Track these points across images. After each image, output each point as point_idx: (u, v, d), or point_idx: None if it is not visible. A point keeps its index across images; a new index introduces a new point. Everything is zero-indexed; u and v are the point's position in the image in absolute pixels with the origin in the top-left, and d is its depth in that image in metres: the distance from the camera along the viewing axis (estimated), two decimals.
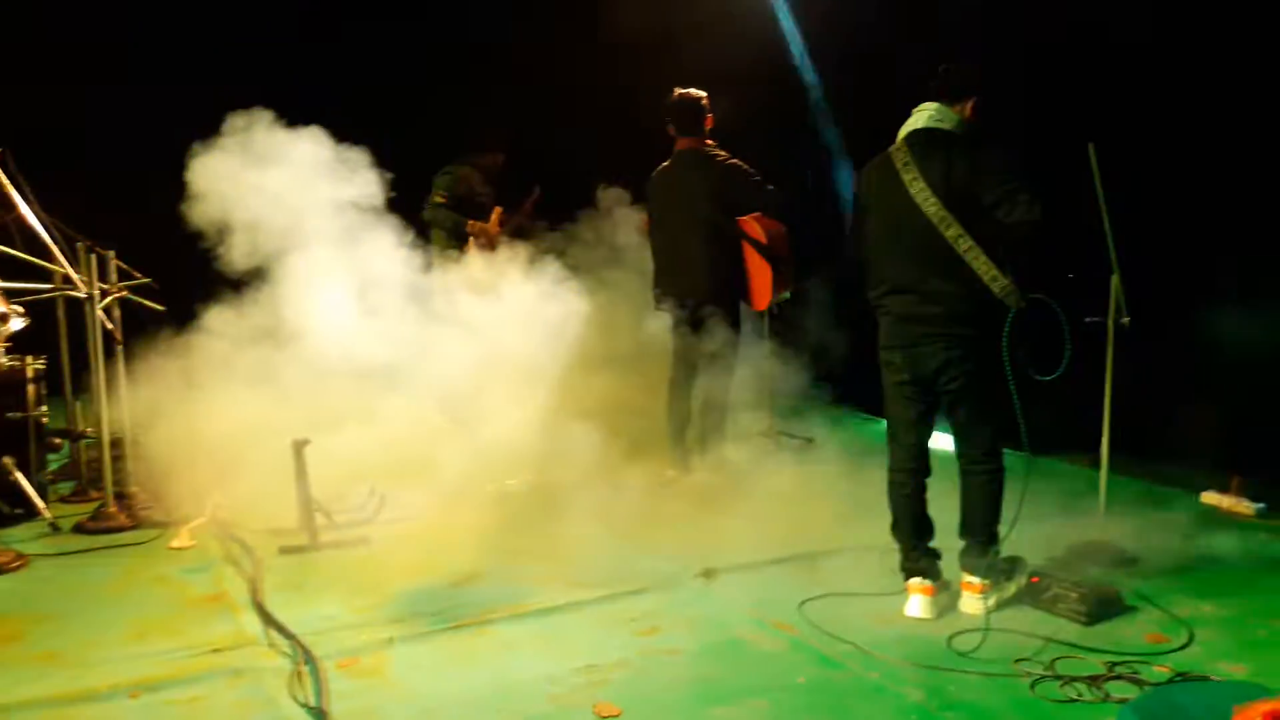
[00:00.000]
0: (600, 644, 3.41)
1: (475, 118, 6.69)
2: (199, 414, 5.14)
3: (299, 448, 4.55)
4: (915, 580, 3.67)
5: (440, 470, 5.23)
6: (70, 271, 4.46)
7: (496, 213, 6.30)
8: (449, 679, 3.15)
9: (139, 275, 5.33)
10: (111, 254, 5.04)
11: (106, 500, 4.82)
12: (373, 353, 5.14)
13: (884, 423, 3.92)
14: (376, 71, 7.40)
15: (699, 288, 5.32)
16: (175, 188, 4.79)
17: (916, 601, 3.64)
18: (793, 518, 4.60)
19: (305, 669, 3.16)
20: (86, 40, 6.91)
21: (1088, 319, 4.06)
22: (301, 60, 6.87)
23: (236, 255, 4.93)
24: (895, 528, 3.80)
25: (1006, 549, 3.71)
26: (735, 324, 5.42)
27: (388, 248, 5.27)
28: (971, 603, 3.62)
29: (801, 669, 3.21)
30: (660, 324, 5.67)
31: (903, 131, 3.74)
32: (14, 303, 4.87)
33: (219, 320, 5.11)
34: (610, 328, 5.81)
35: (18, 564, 4.17)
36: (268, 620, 3.57)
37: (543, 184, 6.71)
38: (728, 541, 4.33)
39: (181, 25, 7.13)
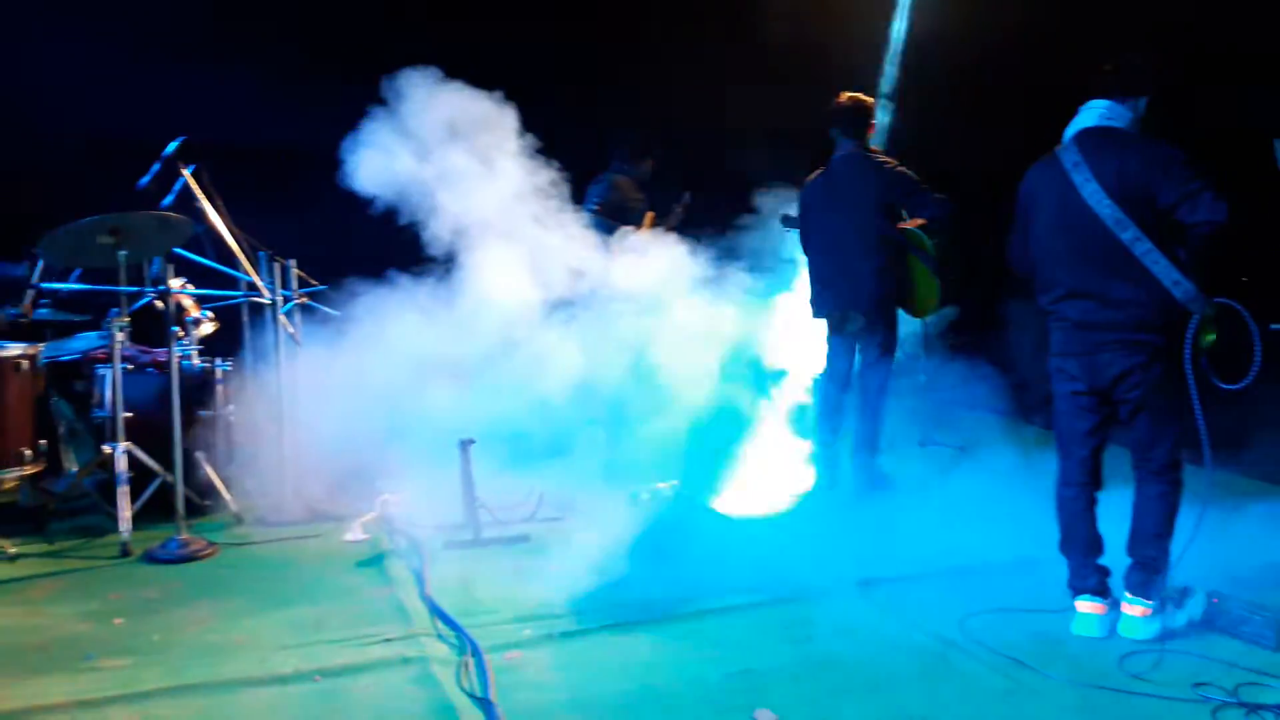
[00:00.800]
0: (756, 650, 3.41)
1: (620, 122, 6.78)
2: (370, 411, 5.42)
3: (465, 447, 4.73)
4: (1085, 598, 3.53)
5: (594, 471, 5.38)
6: (257, 279, 4.76)
7: (649, 219, 6.38)
8: (605, 678, 3.21)
9: (315, 282, 5.64)
10: (293, 262, 5.35)
11: (286, 493, 5.13)
12: (542, 355, 5.29)
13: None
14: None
15: (860, 296, 5.25)
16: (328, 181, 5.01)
17: (1086, 619, 3.50)
18: (951, 528, 4.50)
19: (471, 660, 3.29)
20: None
21: (1272, 326, 3.82)
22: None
23: (424, 246, 5.17)
24: (1065, 543, 3.65)
25: (1184, 568, 3.53)
26: (893, 333, 5.35)
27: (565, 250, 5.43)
28: (1134, 626, 3.46)
29: (964, 685, 3.14)
30: (813, 331, 5.64)
31: (1071, 130, 3.61)
32: (205, 308, 5.25)
33: (389, 319, 5.36)
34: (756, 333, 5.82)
35: (208, 552, 4.48)
36: (435, 612, 3.73)
37: (708, 189, 6.73)
38: (884, 551, 4.28)
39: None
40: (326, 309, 5.59)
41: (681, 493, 5.20)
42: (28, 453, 4.57)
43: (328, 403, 5.63)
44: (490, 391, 5.24)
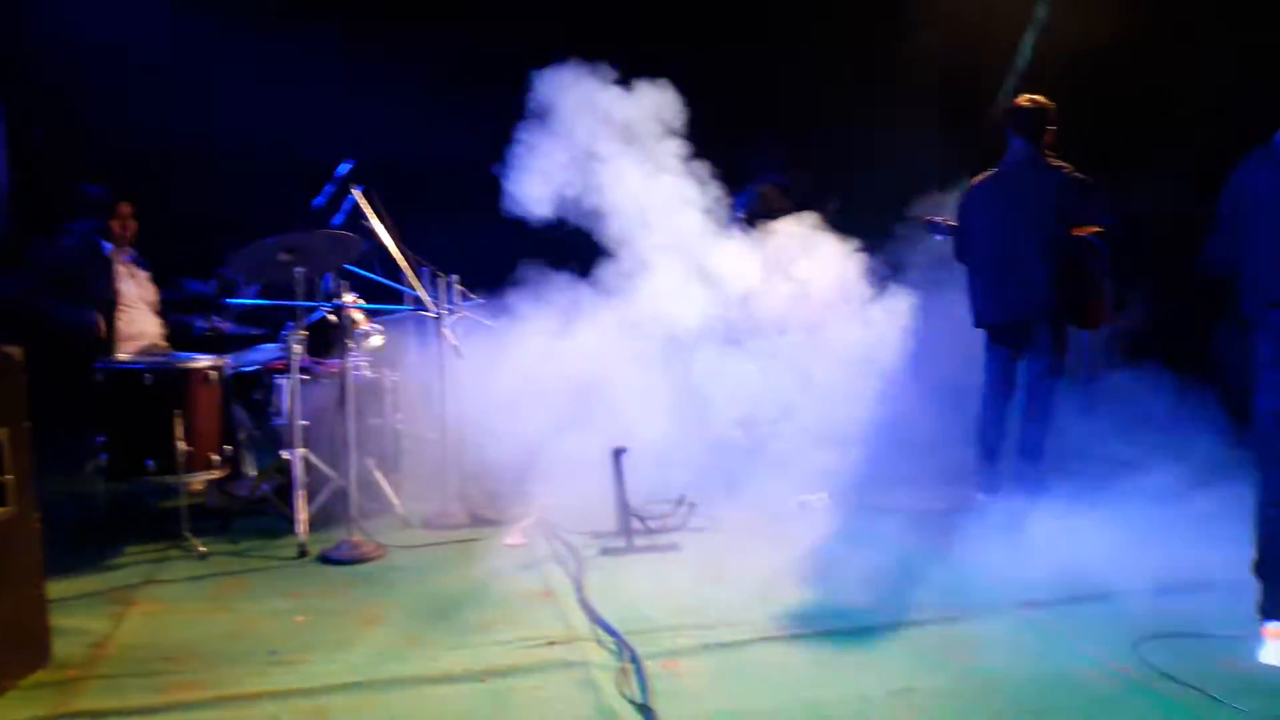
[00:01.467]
0: (917, 667, 3.35)
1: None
2: (527, 418, 5.58)
3: (618, 455, 4.81)
4: (1275, 624, 3.33)
5: (743, 481, 5.39)
6: (423, 294, 4.97)
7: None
8: (764, 691, 3.21)
9: (475, 296, 5.84)
10: (456, 278, 5.56)
11: (449, 499, 5.32)
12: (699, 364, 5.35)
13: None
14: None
15: (1033, 305, 5.11)
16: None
17: (1276, 647, 3.30)
18: (1124, 547, 4.30)
19: (630, 667, 3.34)
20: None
21: None
22: None
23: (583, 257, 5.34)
24: (1260, 565, 3.43)
25: None
26: (1064, 344, 5.19)
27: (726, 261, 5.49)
28: None
29: (1138, 714, 3.01)
30: (972, 339, 5.49)
31: None
32: (374, 321, 5.51)
33: (545, 331, 5.51)
34: (922, 343, 5.71)
35: (378, 554, 4.69)
36: (594, 618, 3.81)
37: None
38: (1053, 570, 4.13)
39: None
40: (486, 321, 5.77)
41: (837, 504, 5.17)
42: (215, 458, 4.89)
43: (488, 411, 5.84)
44: (647, 400, 5.31)
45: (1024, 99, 5.15)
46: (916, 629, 3.70)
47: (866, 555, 4.40)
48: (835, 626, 3.71)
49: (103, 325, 5.27)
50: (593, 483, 5.20)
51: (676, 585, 4.24)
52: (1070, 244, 5.09)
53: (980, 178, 5.31)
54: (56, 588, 3.63)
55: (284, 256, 4.74)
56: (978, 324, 5.37)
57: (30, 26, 6.59)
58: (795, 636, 3.63)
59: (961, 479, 5.48)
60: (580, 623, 3.80)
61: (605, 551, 4.68)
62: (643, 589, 4.19)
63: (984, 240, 5.28)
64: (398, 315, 5.63)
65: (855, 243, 5.88)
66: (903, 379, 5.51)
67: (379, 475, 5.29)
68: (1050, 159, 5.10)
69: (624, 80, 5.19)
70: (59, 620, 3.61)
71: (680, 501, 5.13)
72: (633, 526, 4.81)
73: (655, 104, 5.22)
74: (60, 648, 3.50)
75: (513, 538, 4.91)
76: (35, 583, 3.42)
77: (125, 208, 5.45)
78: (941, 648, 3.52)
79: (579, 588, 4.15)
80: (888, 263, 5.94)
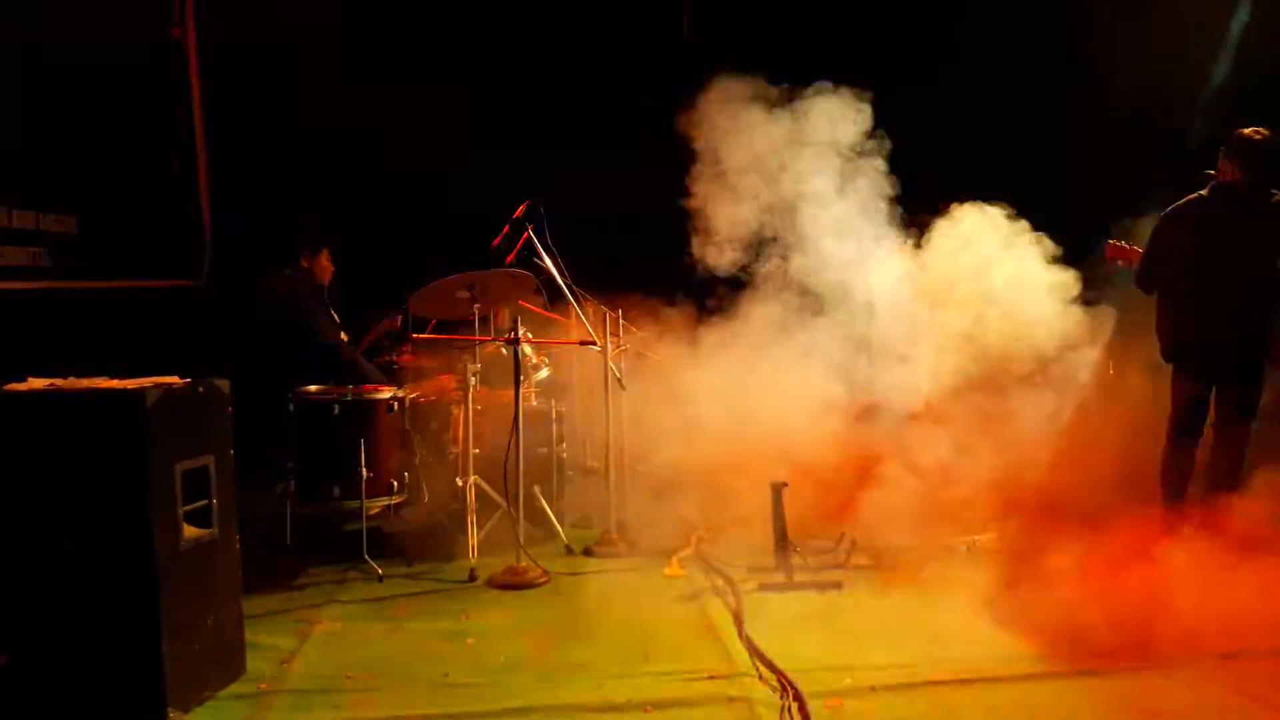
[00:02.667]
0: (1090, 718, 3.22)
1: None
2: (687, 449, 5.66)
3: (778, 490, 4.81)
4: None
5: (909, 519, 5.29)
6: (588, 327, 5.12)
7: None
8: None
9: (637, 329, 5.97)
10: (619, 312, 5.70)
11: (610, 527, 5.43)
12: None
13: None
14: None
15: (1232, 339, 4.88)
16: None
17: None
18: None
19: (794, 705, 3.33)
20: None
21: None
22: None
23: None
24: None
25: None
26: (1261, 383, 4.91)
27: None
28: None
29: None
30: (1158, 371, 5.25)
31: None
32: (542, 354, 5.70)
33: (708, 364, 5.59)
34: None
35: (543, 580, 4.83)
36: (755, 653, 3.81)
37: None
38: (1250, 619, 3.87)
39: None
40: (650, 354, 5.89)
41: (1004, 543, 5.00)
42: (395, 484, 5.15)
43: (650, 441, 5.95)
44: (807, 434, 5.30)
45: (1252, 130, 4.90)
46: (1091, 680, 3.54)
47: (1039, 598, 4.23)
48: (1003, 673, 3.60)
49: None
50: (753, 516, 5.23)
51: (838, 623, 4.20)
52: (1277, 278, 4.83)
53: (1183, 201, 5.06)
54: (248, 605, 3.89)
55: (463, 293, 4.98)
56: (1167, 354, 5.13)
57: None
58: (961, 681, 3.54)
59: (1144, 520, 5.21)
60: (742, 657, 3.81)
61: (764, 587, 4.67)
62: (804, 626, 4.16)
63: (1186, 271, 5.01)
64: (565, 348, 5.80)
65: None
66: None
67: (544, 503, 5.45)
68: (1268, 192, 4.85)
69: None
70: (252, 636, 3.88)
71: (842, 537, 5.07)
72: (793, 562, 4.78)
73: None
74: (253, 662, 3.77)
75: (671, 568, 4.96)
76: (235, 601, 3.70)
77: (326, 252, 5.78)
78: (1120, 700, 3.37)
79: (739, 622, 4.16)
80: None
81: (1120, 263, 5.37)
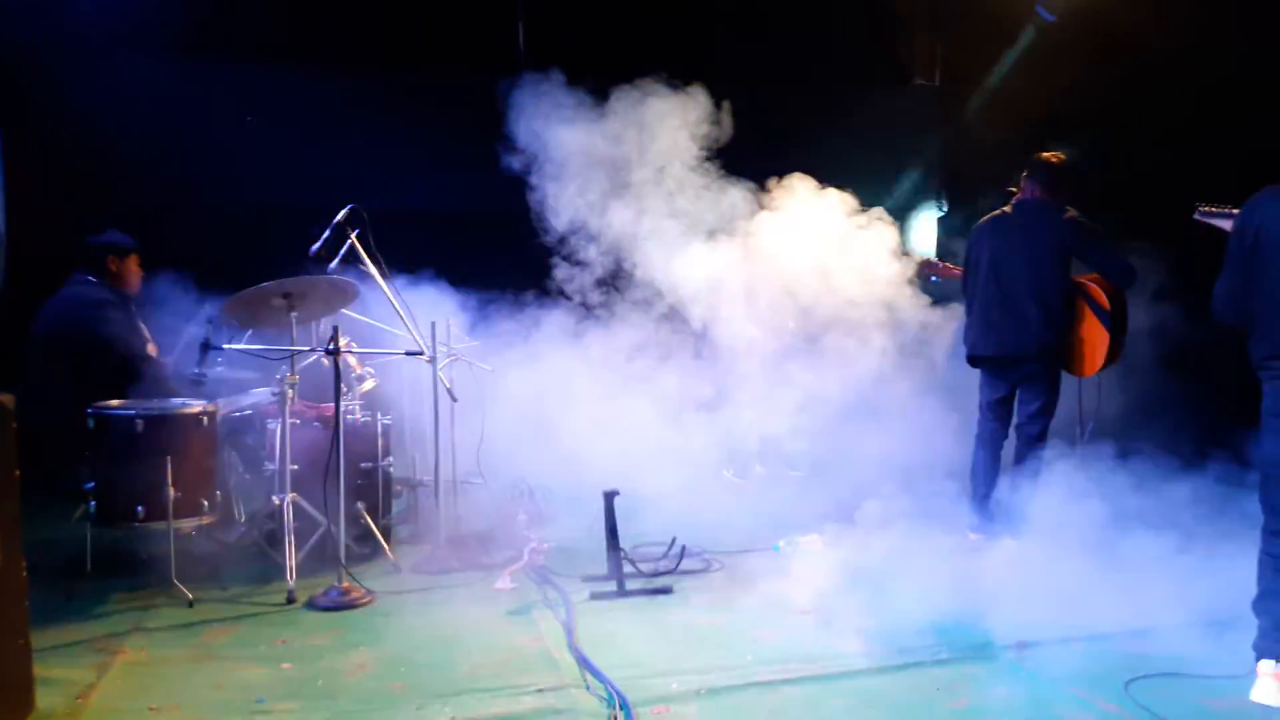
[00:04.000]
0: (907, 712, 3.35)
1: None
2: (521, 459, 5.59)
3: (610, 498, 4.80)
4: (1268, 662, 3.31)
5: (734, 522, 5.39)
6: (416, 336, 4.98)
7: None
8: None
9: (468, 338, 5.86)
10: (450, 321, 5.57)
11: (438, 543, 5.30)
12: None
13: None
14: None
15: (1028, 344, 5.18)
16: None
17: (1268, 685, 3.28)
18: (1116, 586, 4.29)
19: (620, 714, 3.32)
20: None
21: None
22: None
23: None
24: (1260, 601, 3.42)
25: None
26: (1056, 386, 5.28)
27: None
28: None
29: None
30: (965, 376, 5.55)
31: None
32: (366, 365, 5.52)
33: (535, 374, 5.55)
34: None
35: (366, 600, 4.65)
36: (584, 664, 3.78)
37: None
38: (1041, 610, 4.11)
39: None
40: (479, 364, 5.79)
41: (831, 544, 5.15)
42: (205, 503, 4.87)
43: (478, 454, 5.86)
44: (636, 441, 5.34)
45: (1049, 155, 5.28)
46: (908, 671, 3.68)
47: (859, 596, 4.38)
48: (827, 670, 3.70)
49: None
50: (584, 526, 5.22)
51: (668, 630, 4.22)
52: (1069, 286, 5.18)
53: (988, 216, 5.40)
54: (41, 637, 3.60)
55: (279, 302, 4.76)
56: (970, 357, 5.42)
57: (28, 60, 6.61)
58: (787, 680, 3.61)
59: (955, 517, 5.48)
60: (570, 669, 3.77)
61: (596, 596, 4.65)
62: (634, 634, 4.16)
63: (985, 277, 5.35)
64: (390, 358, 5.64)
65: None
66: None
67: (369, 520, 5.26)
68: (1059, 203, 5.20)
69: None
70: (43, 670, 3.57)
71: (672, 544, 5.10)
72: (624, 570, 4.78)
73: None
74: (44, 698, 3.47)
75: (502, 582, 4.88)
76: (20, 632, 3.39)
77: (135, 257, 5.42)
78: (931, 691, 3.51)
79: (569, 633, 4.12)
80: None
81: (935, 279, 5.68)
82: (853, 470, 5.82)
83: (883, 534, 5.07)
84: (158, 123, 6.50)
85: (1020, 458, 5.31)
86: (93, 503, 4.69)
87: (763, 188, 5.73)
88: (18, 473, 3.39)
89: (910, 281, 5.73)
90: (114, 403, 4.83)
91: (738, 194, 5.74)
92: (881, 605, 4.28)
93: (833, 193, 5.70)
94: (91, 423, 4.71)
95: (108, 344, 5.11)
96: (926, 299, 5.77)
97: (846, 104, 8.09)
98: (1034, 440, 5.30)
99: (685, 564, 5.04)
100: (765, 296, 5.69)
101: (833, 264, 5.59)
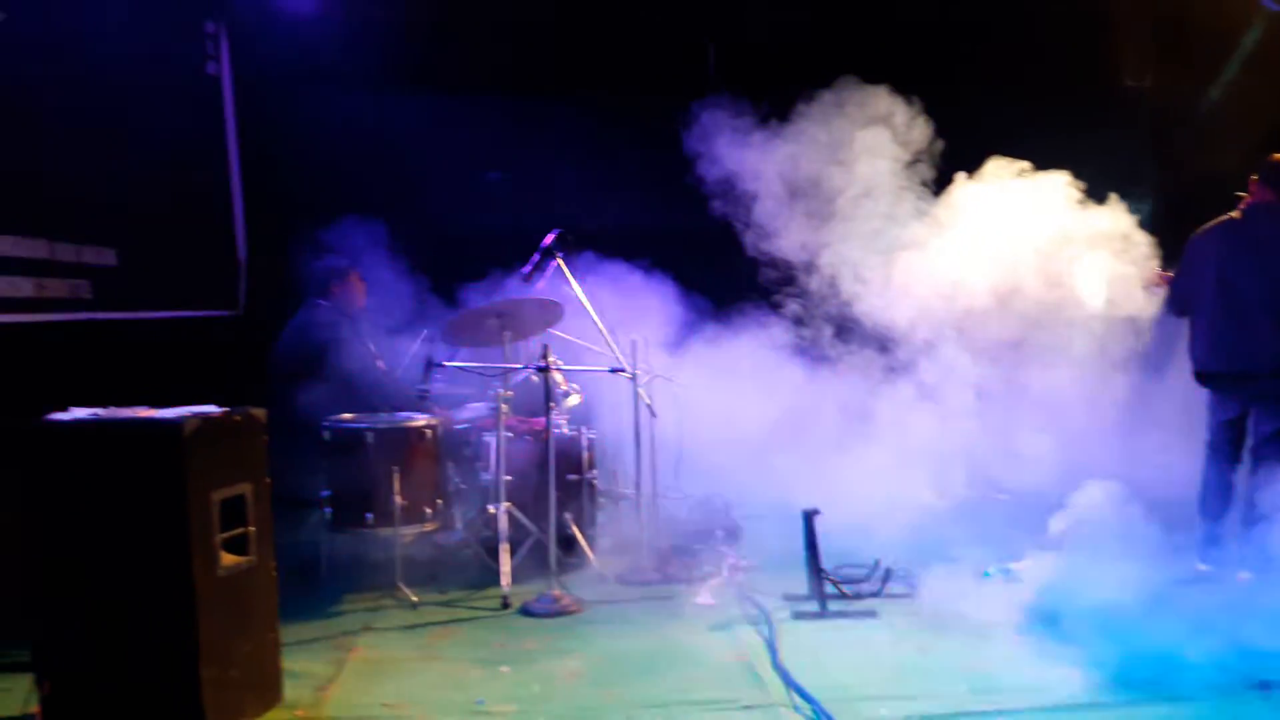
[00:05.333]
0: None
1: None
2: (718, 474, 5.64)
3: (810, 517, 4.79)
4: None
5: (939, 544, 5.25)
6: (619, 355, 5.14)
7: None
8: None
9: (669, 357, 5.98)
10: (650, 339, 5.71)
11: (641, 555, 5.42)
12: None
13: None
14: None
15: (1260, 359, 4.85)
16: None
17: None
18: None
19: None
20: None
21: None
22: None
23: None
24: None
25: None
26: None
27: None
28: None
29: None
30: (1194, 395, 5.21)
31: None
32: (571, 382, 5.72)
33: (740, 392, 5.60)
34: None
35: (576, 608, 4.82)
36: (789, 683, 3.79)
37: None
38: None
39: None
40: (679, 382, 5.89)
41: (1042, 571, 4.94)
42: (428, 511, 5.18)
43: (676, 468, 5.96)
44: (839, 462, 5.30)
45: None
46: (1127, 710, 3.52)
47: (1074, 625, 4.18)
48: (1043, 702, 3.56)
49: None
50: (781, 544, 5.21)
51: (873, 652, 4.17)
52: None
53: (1215, 221, 5.06)
54: (285, 632, 3.90)
55: (492, 322, 5.02)
56: (1198, 374, 5.09)
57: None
58: (1000, 711, 3.50)
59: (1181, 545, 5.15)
60: (776, 687, 3.78)
61: (797, 615, 4.64)
62: (838, 655, 4.13)
63: (1212, 286, 5.00)
64: (595, 375, 5.82)
65: None
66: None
67: (576, 530, 5.45)
68: None
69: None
70: (289, 663, 3.89)
71: (876, 566, 5.03)
72: (826, 591, 4.74)
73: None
74: (290, 689, 3.78)
75: (703, 596, 4.94)
76: (271, 627, 3.72)
77: (355, 275, 5.84)
78: None
79: (774, 651, 4.13)
80: None
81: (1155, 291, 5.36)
82: (1066, 493, 5.55)
83: (1099, 560, 4.83)
84: (382, 152, 6.94)
85: (1255, 485, 4.93)
86: (327, 509, 5.07)
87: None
88: (269, 481, 3.73)
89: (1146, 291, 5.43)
90: (346, 416, 5.20)
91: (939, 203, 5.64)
92: (1100, 636, 4.08)
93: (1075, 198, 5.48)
94: (326, 435, 5.09)
95: (337, 362, 5.51)
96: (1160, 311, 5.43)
97: (1053, 107, 7.74)
98: (1270, 465, 4.90)
99: (890, 587, 4.96)
100: (984, 312, 5.51)
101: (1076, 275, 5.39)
